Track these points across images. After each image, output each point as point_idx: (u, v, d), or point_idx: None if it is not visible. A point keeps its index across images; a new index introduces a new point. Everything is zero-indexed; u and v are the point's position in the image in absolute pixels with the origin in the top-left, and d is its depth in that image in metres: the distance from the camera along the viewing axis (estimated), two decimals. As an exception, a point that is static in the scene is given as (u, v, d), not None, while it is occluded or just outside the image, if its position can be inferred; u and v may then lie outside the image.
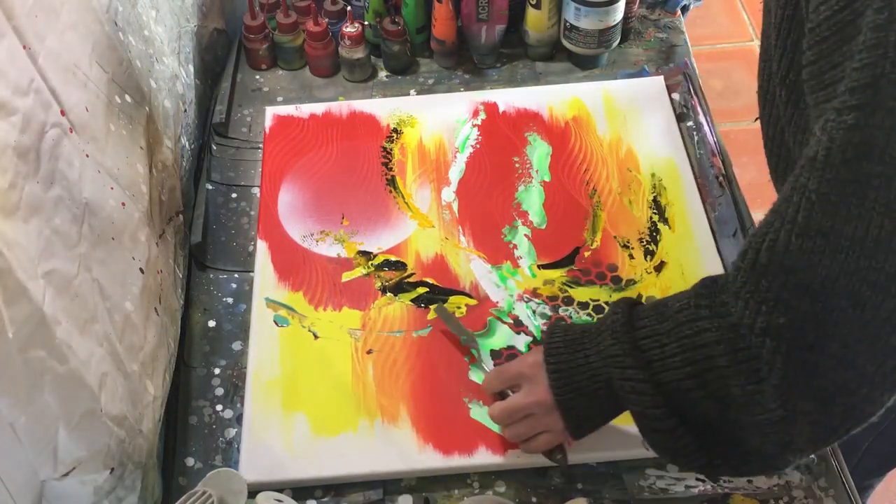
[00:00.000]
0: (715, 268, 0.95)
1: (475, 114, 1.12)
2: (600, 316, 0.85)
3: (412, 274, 0.97)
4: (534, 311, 0.93)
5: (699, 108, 1.12)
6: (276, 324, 0.93)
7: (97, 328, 0.70)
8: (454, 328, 0.91)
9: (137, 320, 0.79)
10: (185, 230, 1.00)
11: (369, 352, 0.91)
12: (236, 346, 0.93)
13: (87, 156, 0.73)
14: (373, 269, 0.97)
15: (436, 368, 0.89)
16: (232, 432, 0.87)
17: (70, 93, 0.71)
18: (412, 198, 1.04)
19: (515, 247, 0.99)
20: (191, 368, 0.92)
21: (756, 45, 2.31)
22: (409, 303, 0.94)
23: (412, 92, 1.17)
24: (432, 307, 0.94)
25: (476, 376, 0.88)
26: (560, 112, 1.11)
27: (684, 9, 1.26)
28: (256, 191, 1.06)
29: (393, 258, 0.98)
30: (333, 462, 0.83)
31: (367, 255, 0.98)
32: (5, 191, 0.59)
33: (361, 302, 0.95)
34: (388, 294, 0.95)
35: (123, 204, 0.80)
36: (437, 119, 1.11)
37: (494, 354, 0.89)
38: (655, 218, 1.00)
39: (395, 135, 1.10)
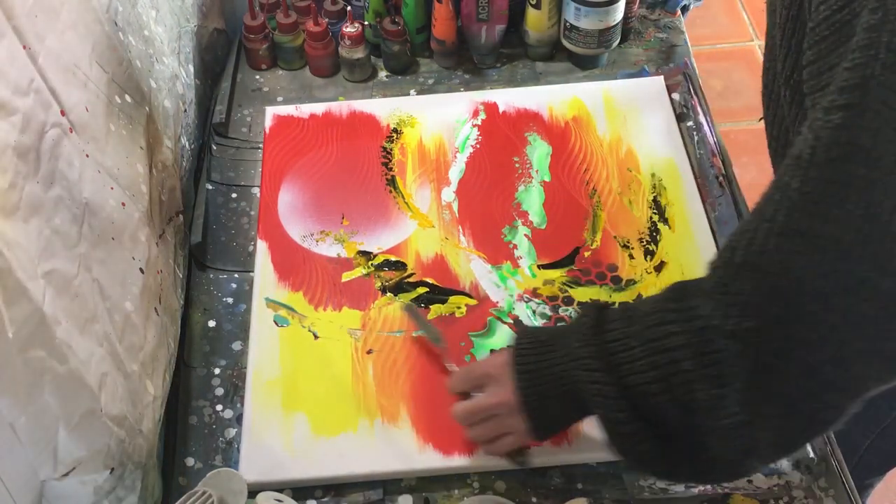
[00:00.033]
0: (715, 268, 0.95)
1: (475, 114, 1.12)
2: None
3: (412, 274, 0.97)
4: (534, 312, 0.93)
5: (699, 108, 1.12)
6: (276, 324, 0.93)
7: (97, 328, 0.70)
8: (423, 327, 0.90)
9: (137, 320, 0.79)
10: (185, 230, 1.00)
11: (369, 352, 0.91)
12: (236, 346, 0.93)
13: (87, 156, 0.73)
14: (373, 269, 0.97)
15: (436, 368, 0.89)
16: (232, 432, 0.87)
17: (70, 93, 0.71)
18: (412, 198, 1.04)
19: (515, 247, 0.99)
20: (191, 368, 0.92)
21: (756, 45, 2.31)
22: (409, 303, 0.94)
23: (412, 92, 1.17)
24: (399, 302, 0.93)
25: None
26: (560, 112, 1.11)
27: (684, 9, 1.26)
28: (256, 191, 1.06)
29: (393, 258, 0.98)
30: (333, 462, 0.83)
31: (367, 255, 0.98)
32: (5, 191, 0.59)
33: (361, 302, 0.95)
34: (388, 294, 0.95)
35: (123, 204, 0.80)
36: (437, 119, 1.11)
37: (494, 354, 0.89)
38: (655, 218, 1.00)
39: (395, 135, 1.10)
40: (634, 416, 0.66)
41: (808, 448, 0.84)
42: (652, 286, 0.95)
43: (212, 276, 0.99)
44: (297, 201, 1.04)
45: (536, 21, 1.16)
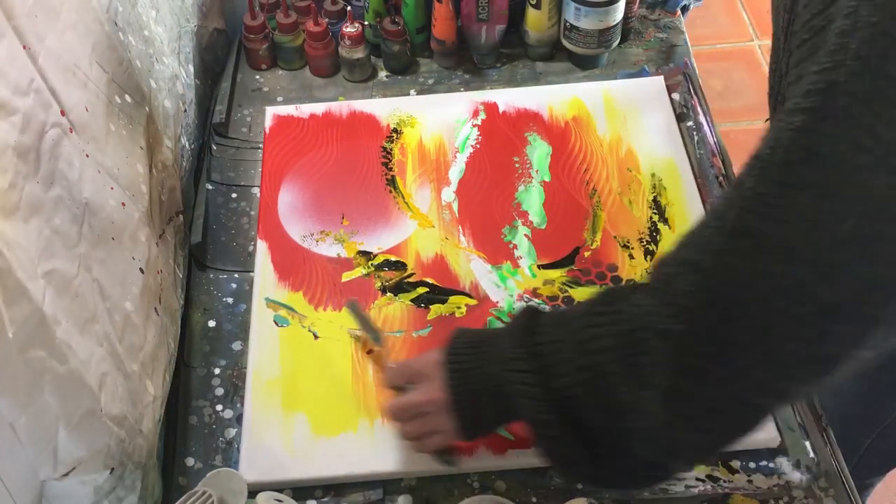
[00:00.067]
0: (715, 268, 0.95)
1: (475, 114, 1.12)
2: None
3: (412, 274, 0.97)
4: (534, 311, 0.93)
5: (699, 108, 1.12)
6: (276, 324, 0.93)
7: (97, 328, 0.70)
8: (363, 326, 0.90)
9: (137, 320, 0.79)
10: (185, 230, 1.00)
11: (370, 352, 0.91)
12: (236, 346, 0.93)
13: (87, 156, 0.73)
14: (373, 269, 0.97)
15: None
16: (232, 432, 0.87)
17: (70, 93, 0.71)
18: (412, 198, 1.04)
19: (515, 247, 0.99)
20: (191, 368, 0.92)
21: (756, 45, 2.31)
22: (409, 303, 0.94)
23: (412, 92, 1.17)
24: (345, 305, 0.93)
25: None
26: (560, 112, 1.11)
27: (684, 9, 1.27)
28: (256, 191, 1.06)
29: (393, 258, 0.98)
30: (333, 462, 0.83)
31: (367, 255, 0.98)
32: (5, 191, 0.59)
33: (361, 302, 0.94)
34: (388, 294, 0.95)
35: (123, 204, 0.80)
36: (437, 119, 1.11)
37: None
38: (655, 218, 1.00)
39: (395, 135, 1.10)
40: (561, 419, 0.66)
41: (809, 448, 0.84)
42: (652, 286, 0.95)
43: (212, 276, 0.99)
44: (297, 201, 1.04)
45: (536, 21, 1.16)
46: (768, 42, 0.80)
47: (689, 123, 1.11)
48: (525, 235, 1.00)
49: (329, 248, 0.99)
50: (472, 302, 0.94)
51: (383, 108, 1.13)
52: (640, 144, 1.08)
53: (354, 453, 0.84)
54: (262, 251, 0.99)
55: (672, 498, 0.81)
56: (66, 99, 0.70)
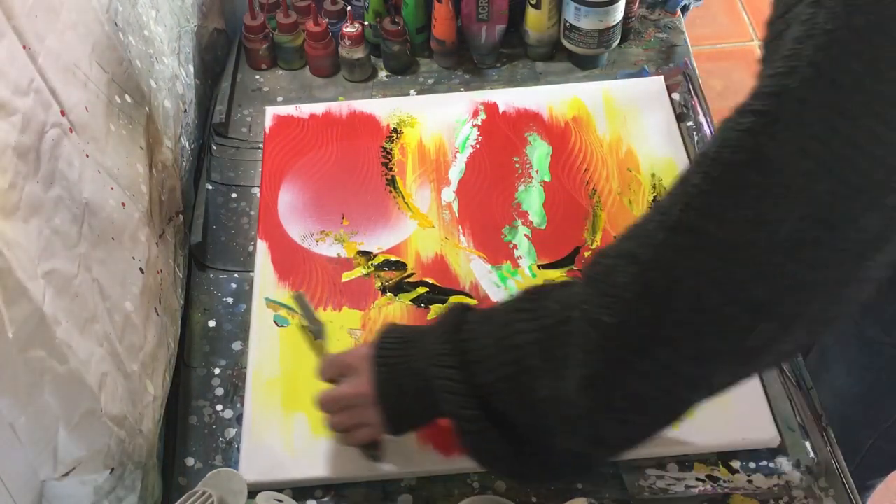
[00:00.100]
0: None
1: (475, 114, 1.12)
2: None
3: (412, 274, 0.97)
4: (534, 311, 0.93)
5: (699, 108, 1.12)
6: (276, 324, 0.93)
7: (97, 328, 0.70)
8: (308, 318, 0.90)
9: (137, 320, 0.79)
10: (185, 230, 1.00)
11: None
12: (236, 346, 0.93)
13: (87, 156, 0.73)
14: (373, 269, 0.97)
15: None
16: (232, 432, 0.87)
17: (70, 93, 0.71)
18: (412, 198, 1.04)
19: (515, 247, 0.99)
20: (191, 368, 0.92)
21: (756, 45, 2.31)
22: (409, 303, 0.94)
23: (412, 92, 1.17)
24: (292, 297, 0.93)
25: None
26: (560, 112, 1.11)
27: (684, 9, 1.27)
28: (256, 191, 1.06)
29: (393, 258, 0.98)
30: (333, 462, 0.83)
31: (367, 255, 0.98)
32: (5, 191, 0.59)
33: (361, 302, 0.95)
34: (388, 294, 0.95)
35: (123, 204, 0.80)
36: (437, 119, 1.11)
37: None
38: (655, 218, 1.00)
39: (395, 135, 1.10)
40: (484, 415, 0.66)
41: (809, 448, 0.84)
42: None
43: (212, 276, 0.99)
44: (297, 201, 1.04)
45: (536, 21, 1.16)
46: (768, 42, 0.80)
47: (689, 123, 1.11)
48: (525, 235, 1.00)
49: (329, 248, 0.99)
50: (472, 302, 0.94)
51: (383, 108, 1.13)
52: (640, 144, 1.08)
53: (354, 453, 0.84)
54: (262, 251, 0.99)
55: (672, 498, 0.81)
56: (66, 99, 0.70)
